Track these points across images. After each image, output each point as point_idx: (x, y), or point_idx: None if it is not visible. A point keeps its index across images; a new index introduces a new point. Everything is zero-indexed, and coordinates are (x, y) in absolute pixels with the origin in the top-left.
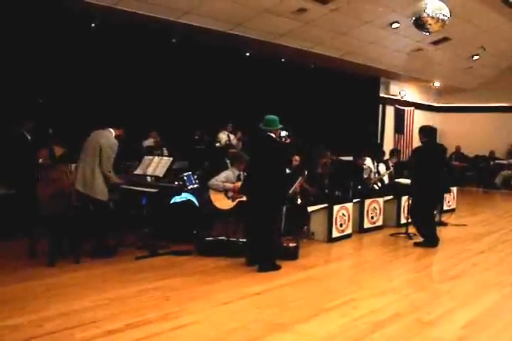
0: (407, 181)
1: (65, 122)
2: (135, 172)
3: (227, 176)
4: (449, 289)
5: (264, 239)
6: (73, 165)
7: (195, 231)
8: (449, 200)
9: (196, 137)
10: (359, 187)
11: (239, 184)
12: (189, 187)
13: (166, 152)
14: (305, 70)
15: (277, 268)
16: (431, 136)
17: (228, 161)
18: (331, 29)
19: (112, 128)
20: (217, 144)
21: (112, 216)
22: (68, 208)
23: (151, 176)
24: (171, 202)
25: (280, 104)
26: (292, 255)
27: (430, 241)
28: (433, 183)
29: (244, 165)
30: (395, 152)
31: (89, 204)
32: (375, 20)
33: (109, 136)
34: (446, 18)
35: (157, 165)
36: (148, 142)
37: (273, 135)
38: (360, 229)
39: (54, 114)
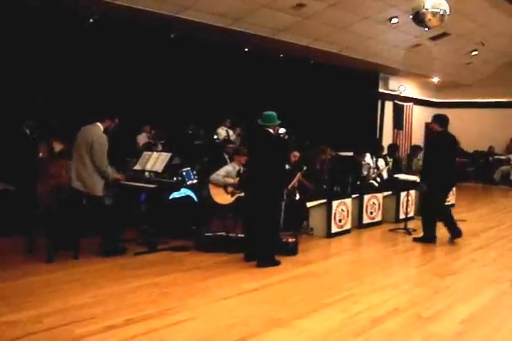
0: (406, 177)
1: (64, 117)
2: (134, 168)
3: (228, 171)
4: (448, 284)
5: (263, 234)
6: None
7: (194, 227)
8: (448, 196)
9: (190, 131)
10: (358, 182)
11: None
12: (188, 183)
13: (160, 147)
14: (304, 66)
15: (276, 263)
16: (447, 125)
17: (227, 156)
18: (330, 24)
19: (98, 122)
20: (215, 136)
21: (108, 211)
22: (65, 204)
23: (150, 172)
24: (170, 197)
25: (279, 99)
26: (291, 250)
27: (429, 237)
28: (448, 173)
29: (244, 158)
30: (393, 147)
31: (83, 200)
32: (374, 15)
33: (97, 131)
34: (445, 14)
35: (156, 161)
36: (142, 137)
37: (271, 131)
38: (359, 224)
39: (54, 109)
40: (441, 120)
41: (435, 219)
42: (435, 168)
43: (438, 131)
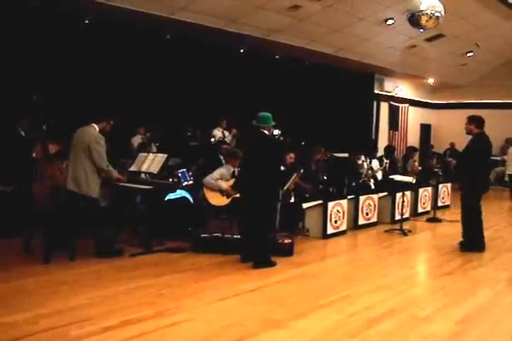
0: (402, 178)
1: (59, 119)
2: (130, 169)
3: (222, 173)
4: (444, 285)
5: (259, 235)
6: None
7: (189, 228)
8: (444, 196)
9: (189, 133)
10: (354, 183)
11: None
12: (184, 184)
13: (154, 148)
14: (299, 67)
15: (272, 264)
16: (483, 126)
17: (222, 158)
18: (326, 25)
19: (94, 123)
20: (212, 140)
21: (103, 213)
22: (61, 205)
23: (145, 173)
24: (166, 198)
25: (274, 100)
26: (287, 252)
27: (476, 244)
28: (485, 176)
29: (238, 161)
30: (389, 149)
31: (79, 202)
32: (370, 16)
33: (93, 132)
34: (440, 15)
35: (152, 162)
36: (137, 138)
37: (266, 132)
38: (354, 225)
39: (48, 111)
40: (477, 121)
41: (476, 223)
42: (474, 171)
43: (476, 133)
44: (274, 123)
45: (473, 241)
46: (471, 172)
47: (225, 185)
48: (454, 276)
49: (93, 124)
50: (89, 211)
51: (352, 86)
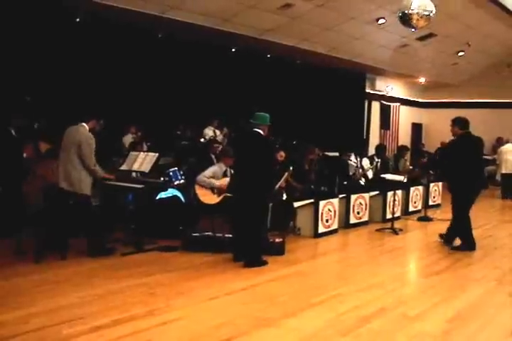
0: (393, 177)
1: (50, 117)
2: (121, 168)
3: (215, 171)
4: (434, 284)
5: (251, 234)
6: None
7: (181, 227)
8: (435, 196)
9: (178, 132)
10: (345, 182)
11: (225, 181)
12: (175, 183)
13: (145, 147)
14: (291, 66)
15: (264, 263)
16: (467, 127)
17: (213, 156)
18: (317, 25)
19: (84, 122)
20: (202, 140)
21: (95, 211)
22: (53, 204)
23: (136, 172)
24: (157, 198)
25: (266, 99)
26: (278, 250)
27: (468, 244)
28: (473, 176)
29: (231, 160)
30: (381, 148)
31: (71, 201)
32: (361, 15)
33: (84, 131)
34: (431, 15)
35: (143, 161)
36: (128, 138)
37: (260, 131)
38: (346, 224)
39: (40, 110)
40: (460, 122)
41: (465, 223)
42: (460, 172)
43: (459, 134)
44: (269, 123)
45: (464, 240)
46: (457, 172)
47: (217, 182)
48: (445, 275)
49: (83, 124)
50: (81, 210)
51: (343, 85)
